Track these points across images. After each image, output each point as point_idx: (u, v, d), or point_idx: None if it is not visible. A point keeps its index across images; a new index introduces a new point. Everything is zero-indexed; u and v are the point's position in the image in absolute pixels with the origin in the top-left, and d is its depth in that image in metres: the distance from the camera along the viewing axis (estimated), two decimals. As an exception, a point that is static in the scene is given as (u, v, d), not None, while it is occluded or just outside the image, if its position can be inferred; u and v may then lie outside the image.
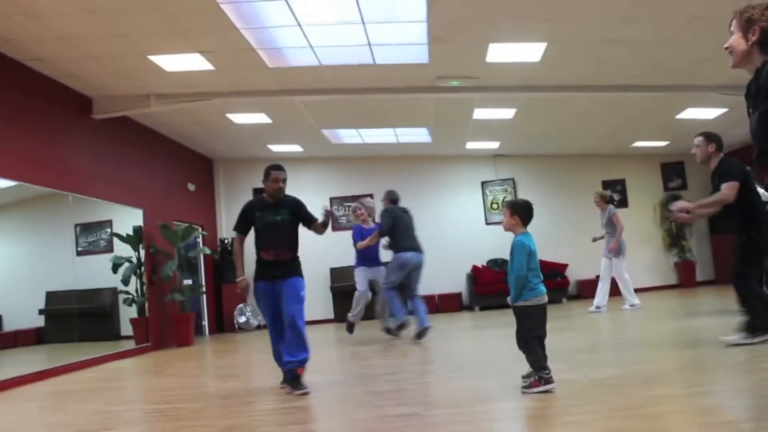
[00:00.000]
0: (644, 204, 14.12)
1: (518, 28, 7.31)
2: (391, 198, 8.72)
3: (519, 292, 4.25)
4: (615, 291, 9.90)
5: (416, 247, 8.28)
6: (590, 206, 13.90)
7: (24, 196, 7.98)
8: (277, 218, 5.28)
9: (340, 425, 3.94)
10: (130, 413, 5.05)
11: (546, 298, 4.25)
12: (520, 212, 4.38)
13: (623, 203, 14.17)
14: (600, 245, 10.20)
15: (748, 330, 5.17)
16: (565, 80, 9.08)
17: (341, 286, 13.16)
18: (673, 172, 14.18)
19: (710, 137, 5.59)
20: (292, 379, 5.05)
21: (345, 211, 13.75)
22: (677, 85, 9.28)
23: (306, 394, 4.87)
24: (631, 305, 9.61)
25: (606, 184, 14.16)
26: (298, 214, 5.42)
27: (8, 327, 7.65)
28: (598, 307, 9.78)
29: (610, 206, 9.85)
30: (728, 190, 5.24)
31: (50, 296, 8.37)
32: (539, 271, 4.27)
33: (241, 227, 5.40)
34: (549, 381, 4.11)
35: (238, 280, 5.37)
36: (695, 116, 10.97)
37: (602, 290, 9.84)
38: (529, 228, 4.39)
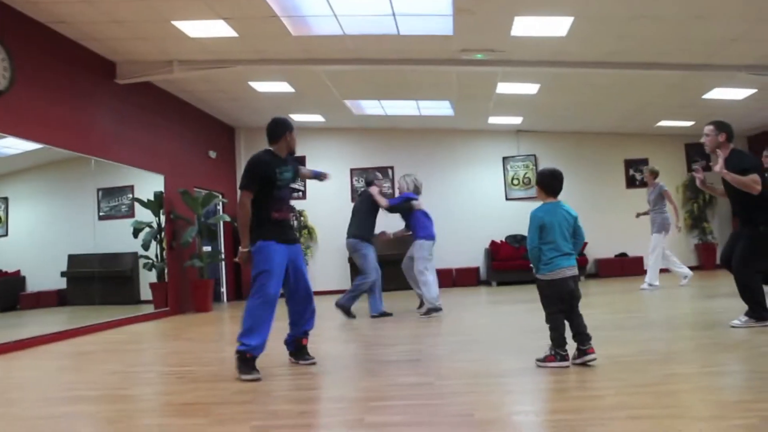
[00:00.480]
0: (667, 184, 13.83)
1: (545, 1, 7.19)
2: (365, 180, 8.80)
3: (535, 266, 4.24)
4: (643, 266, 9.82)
5: (348, 233, 8.29)
6: (611, 185, 13.92)
7: (48, 160, 8.06)
8: (290, 175, 4.87)
9: (350, 392, 3.98)
10: (147, 374, 5.13)
11: (566, 273, 4.15)
12: (540, 181, 4.36)
13: (646, 183, 13.97)
14: (640, 226, 10.14)
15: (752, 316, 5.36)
16: (591, 56, 8.94)
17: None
18: (697, 153, 13.93)
19: (721, 126, 5.56)
20: (297, 350, 4.94)
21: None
22: (704, 63, 9.10)
23: (313, 363, 4.86)
24: (650, 285, 9.56)
25: (629, 163, 14.04)
26: (298, 168, 5.12)
27: (31, 288, 7.78)
28: (685, 277, 9.76)
29: (660, 182, 9.76)
30: (757, 182, 5.26)
31: (72, 259, 8.48)
32: (559, 244, 4.17)
33: (254, 185, 4.69)
34: (564, 359, 4.10)
35: (244, 250, 4.68)
36: (723, 96, 10.77)
37: (674, 265, 9.86)
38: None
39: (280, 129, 4.90)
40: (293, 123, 5.03)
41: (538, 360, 4.19)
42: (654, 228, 9.68)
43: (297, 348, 4.95)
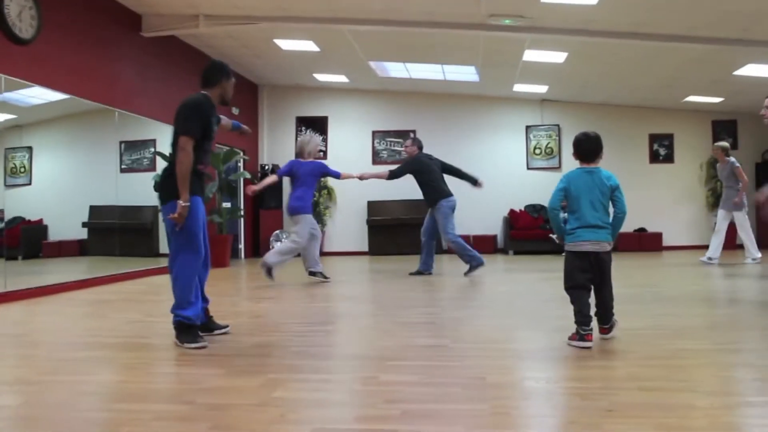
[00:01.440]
0: (691, 161, 13.78)
1: (578, -33, 7.07)
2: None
3: (556, 231, 4.14)
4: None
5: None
6: (634, 159, 13.76)
7: (73, 111, 8.11)
8: (216, 127, 4.51)
9: (367, 350, 4.02)
10: (166, 324, 5.20)
11: (588, 247, 3.96)
12: (574, 145, 4.16)
13: (669, 159, 13.86)
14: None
15: None
16: (621, 26, 8.79)
17: (377, 220, 13.29)
18: (724, 131, 13.74)
19: None
20: (208, 320, 4.52)
21: (386, 145, 13.71)
22: (737, 38, 8.90)
23: (227, 328, 4.54)
24: (753, 259, 9.33)
25: (653, 138, 13.87)
26: (220, 118, 4.71)
27: (53, 237, 7.90)
28: (710, 258, 9.58)
29: (732, 159, 9.57)
30: None
31: (94, 210, 8.58)
32: (584, 214, 3.96)
33: (198, 130, 4.20)
34: (583, 339, 3.81)
35: (186, 204, 4.10)
36: (756, 73, 10.54)
37: (716, 241, 9.64)
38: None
39: (218, 74, 4.55)
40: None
41: (568, 338, 3.96)
42: (730, 206, 9.47)
43: (207, 317, 4.53)
